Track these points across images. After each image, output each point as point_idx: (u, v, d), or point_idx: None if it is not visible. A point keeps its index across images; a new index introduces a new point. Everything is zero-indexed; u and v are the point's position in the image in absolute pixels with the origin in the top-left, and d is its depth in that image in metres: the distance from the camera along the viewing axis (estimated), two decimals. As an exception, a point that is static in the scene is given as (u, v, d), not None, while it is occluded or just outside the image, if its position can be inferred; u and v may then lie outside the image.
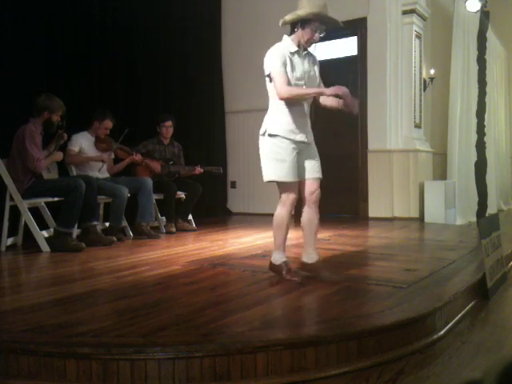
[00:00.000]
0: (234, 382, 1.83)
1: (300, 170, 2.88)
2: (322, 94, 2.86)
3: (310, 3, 2.78)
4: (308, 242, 3.00)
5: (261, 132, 2.90)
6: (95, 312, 2.35)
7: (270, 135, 2.83)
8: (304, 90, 2.84)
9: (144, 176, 5.17)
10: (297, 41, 2.87)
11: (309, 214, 2.96)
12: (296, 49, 2.85)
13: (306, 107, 2.92)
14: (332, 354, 1.96)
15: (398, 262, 3.50)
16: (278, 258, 2.96)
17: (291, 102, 2.83)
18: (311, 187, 2.93)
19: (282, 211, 2.89)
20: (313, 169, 2.94)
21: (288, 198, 2.86)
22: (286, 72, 2.79)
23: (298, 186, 2.89)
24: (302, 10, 2.78)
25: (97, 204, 4.57)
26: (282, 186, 2.86)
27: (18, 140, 4.09)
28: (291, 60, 2.83)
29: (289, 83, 2.80)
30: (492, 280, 3.08)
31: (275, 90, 2.80)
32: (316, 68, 2.97)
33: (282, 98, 2.81)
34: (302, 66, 2.87)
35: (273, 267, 2.99)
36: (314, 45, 2.91)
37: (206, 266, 3.40)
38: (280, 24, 2.90)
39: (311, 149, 2.97)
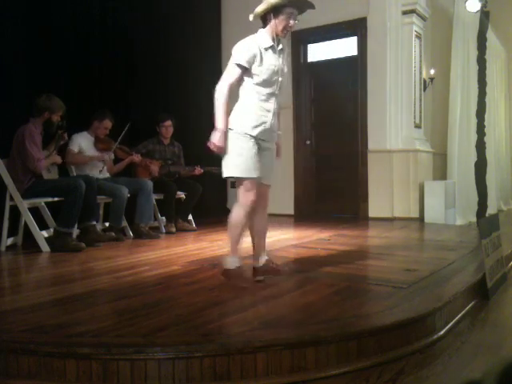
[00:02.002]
0: (233, 381, 1.83)
1: (260, 170, 2.73)
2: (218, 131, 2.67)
3: None
4: (260, 247, 2.94)
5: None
6: (95, 312, 2.35)
7: (231, 130, 2.69)
8: (220, 111, 2.65)
9: (144, 177, 5.18)
10: (271, 32, 2.71)
11: (261, 219, 2.89)
12: (271, 43, 2.70)
13: (274, 105, 2.75)
14: (332, 354, 1.96)
15: (398, 262, 3.50)
16: (231, 263, 2.80)
17: (258, 99, 2.69)
18: (264, 192, 2.84)
19: (239, 212, 2.75)
20: (268, 174, 2.84)
21: (247, 198, 2.71)
22: (249, 69, 2.64)
23: (258, 186, 2.74)
24: None
25: (97, 204, 4.57)
26: (242, 184, 2.71)
27: (17, 140, 4.09)
28: (264, 54, 2.67)
29: (250, 79, 2.67)
30: (492, 280, 3.08)
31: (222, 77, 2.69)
32: (286, 65, 2.81)
33: (217, 89, 2.67)
34: (276, 60, 2.71)
35: (225, 273, 2.82)
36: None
37: (206, 266, 3.41)
38: (251, 18, 2.73)
39: (271, 155, 2.85)
